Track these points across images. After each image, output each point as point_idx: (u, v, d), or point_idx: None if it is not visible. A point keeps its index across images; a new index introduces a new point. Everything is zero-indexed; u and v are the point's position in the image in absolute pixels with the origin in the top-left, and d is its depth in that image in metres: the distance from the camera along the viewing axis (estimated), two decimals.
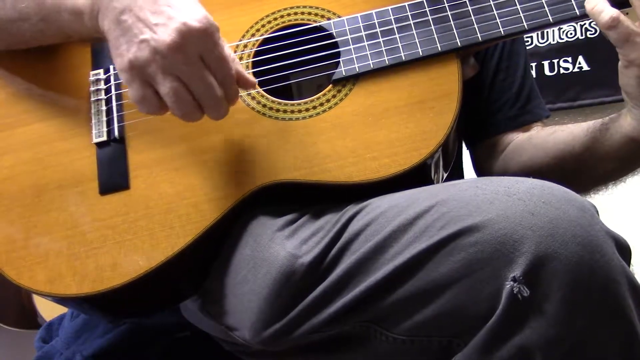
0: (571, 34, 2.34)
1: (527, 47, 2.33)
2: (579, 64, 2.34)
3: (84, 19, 0.98)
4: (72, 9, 0.99)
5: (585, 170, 1.15)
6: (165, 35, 0.90)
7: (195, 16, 0.91)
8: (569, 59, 2.35)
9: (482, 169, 1.34)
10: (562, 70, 2.35)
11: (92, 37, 1.02)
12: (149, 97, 0.93)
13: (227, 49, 0.96)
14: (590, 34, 2.31)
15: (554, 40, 2.37)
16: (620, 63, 0.99)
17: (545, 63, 2.36)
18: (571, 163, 1.15)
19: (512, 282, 0.75)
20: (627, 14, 0.97)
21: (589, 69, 2.32)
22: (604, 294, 0.75)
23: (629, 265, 0.78)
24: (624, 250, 0.79)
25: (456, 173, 1.30)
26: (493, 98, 1.30)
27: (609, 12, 0.96)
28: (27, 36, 1.07)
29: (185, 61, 0.91)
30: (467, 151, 1.37)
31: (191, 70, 0.91)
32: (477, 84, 1.30)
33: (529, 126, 1.30)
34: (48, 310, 2.32)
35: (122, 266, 0.97)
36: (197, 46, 0.91)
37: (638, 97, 1.00)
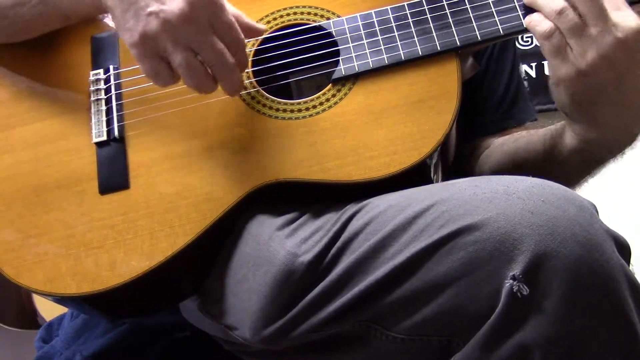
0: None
1: (527, 47, 2.35)
2: None
3: None
4: None
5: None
6: (173, 5, 0.89)
7: None
8: None
9: (462, 169, 1.34)
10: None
11: (91, 17, 1.01)
12: (162, 70, 0.93)
13: (233, 9, 0.96)
14: None
15: None
16: (550, 81, 0.99)
17: (546, 63, 2.36)
18: (528, 171, 1.15)
19: (511, 281, 0.75)
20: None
21: None
22: (603, 292, 0.75)
23: (628, 264, 0.78)
24: (624, 249, 0.79)
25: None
26: (479, 99, 1.30)
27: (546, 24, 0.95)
28: (26, 20, 1.06)
29: (195, 30, 0.90)
30: None
31: (202, 38, 0.91)
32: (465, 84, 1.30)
33: (509, 130, 1.30)
34: (48, 310, 2.32)
35: (121, 266, 0.97)
36: (206, 14, 0.91)
37: (573, 113, 1.01)
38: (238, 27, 0.94)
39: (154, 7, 0.90)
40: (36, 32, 1.10)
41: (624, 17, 0.91)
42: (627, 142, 1.05)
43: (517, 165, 1.19)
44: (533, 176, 0.84)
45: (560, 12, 0.93)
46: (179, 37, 0.90)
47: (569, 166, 1.10)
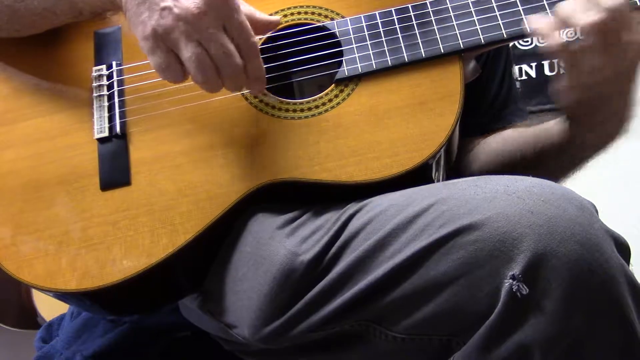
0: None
1: (527, 47, 2.36)
2: None
3: None
4: None
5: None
6: (188, 1, 0.90)
7: None
8: None
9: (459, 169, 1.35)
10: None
11: (104, 10, 1.01)
12: (172, 64, 0.93)
13: (246, 7, 0.97)
14: None
15: None
16: (558, 84, 1.02)
17: (546, 63, 2.36)
18: (520, 169, 1.17)
19: (511, 280, 0.75)
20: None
21: None
22: (602, 292, 0.75)
23: (628, 264, 0.78)
24: (623, 249, 0.79)
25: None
26: (470, 101, 1.30)
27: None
28: (37, 14, 1.06)
29: (207, 27, 0.91)
30: None
31: (213, 36, 0.91)
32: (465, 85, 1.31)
33: (496, 131, 1.31)
34: (48, 310, 2.32)
35: (122, 262, 0.98)
36: (219, 12, 0.91)
37: (579, 113, 1.05)
38: (251, 31, 0.94)
39: (168, 3, 0.91)
40: (44, 27, 1.10)
41: None
42: (607, 143, 1.09)
43: (507, 164, 1.20)
44: (533, 176, 0.84)
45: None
46: (191, 33, 0.91)
47: (557, 163, 1.13)
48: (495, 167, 1.22)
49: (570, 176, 1.17)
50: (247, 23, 0.94)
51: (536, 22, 0.99)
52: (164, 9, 0.91)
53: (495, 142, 1.26)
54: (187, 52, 0.91)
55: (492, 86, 1.32)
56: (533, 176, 0.84)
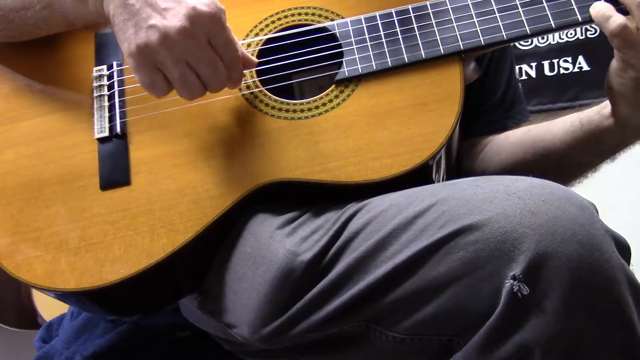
0: (571, 34, 2.35)
1: (527, 47, 2.37)
2: (579, 64, 2.34)
3: (88, 2, 0.98)
4: None
5: (567, 164, 1.16)
6: (175, 20, 0.90)
7: (203, 0, 0.92)
8: (569, 59, 2.36)
9: (461, 168, 1.35)
10: (562, 70, 2.36)
11: (95, 23, 1.02)
12: (158, 82, 0.94)
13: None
14: (590, 34, 2.32)
15: (554, 41, 2.37)
16: (616, 65, 1.00)
17: (545, 63, 2.37)
18: (553, 159, 1.17)
19: (511, 281, 0.75)
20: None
21: (589, 69, 2.33)
22: (603, 292, 0.75)
23: (628, 264, 0.78)
24: (624, 249, 0.79)
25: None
26: (479, 101, 1.31)
27: (616, 20, 0.96)
28: (31, 25, 1.07)
29: (194, 45, 0.91)
30: None
31: (200, 54, 0.92)
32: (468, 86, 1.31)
33: (507, 129, 1.31)
34: (48, 310, 2.32)
35: (122, 262, 0.97)
36: (206, 31, 0.92)
37: (630, 97, 1.02)
38: (237, 45, 0.95)
39: (155, 20, 0.91)
40: (39, 36, 1.11)
41: None
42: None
43: (538, 154, 1.19)
44: (536, 176, 0.84)
45: None
46: (178, 52, 0.91)
47: (596, 151, 1.13)
48: (523, 159, 1.22)
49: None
50: (234, 38, 0.95)
51: (596, 5, 1.00)
52: (150, 27, 0.91)
53: (517, 135, 1.26)
54: (175, 73, 0.92)
55: (500, 84, 1.32)
56: (554, 175, 0.84)
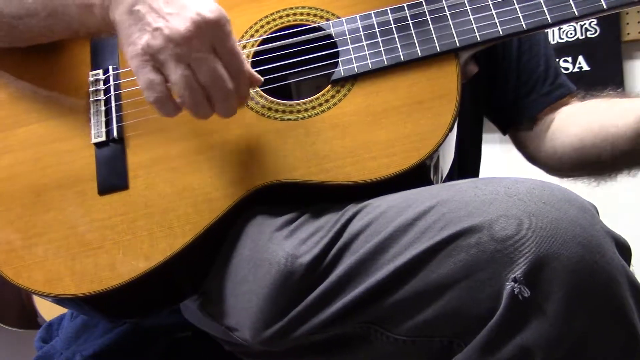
0: (571, 34, 2.34)
1: None
2: (579, 64, 2.34)
3: (94, 10, 0.98)
4: (81, 1, 0.99)
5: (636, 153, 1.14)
6: (179, 24, 0.90)
7: (208, 6, 0.91)
8: (569, 59, 2.35)
9: (531, 155, 1.35)
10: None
11: (99, 31, 1.01)
12: (157, 82, 0.92)
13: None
14: (590, 34, 2.31)
15: (554, 40, 2.37)
16: None
17: None
18: (622, 144, 1.13)
19: (512, 283, 0.75)
20: (627, 13, 0.97)
21: (589, 69, 2.33)
22: (604, 293, 0.75)
23: (629, 265, 0.78)
24: (625, 250, 0.79)
25: (472, 175, 1.32)
26: (523, 80, 1.31)
27: None
28: (35, 32, 1.06)
29: (197, 50, 0.90)
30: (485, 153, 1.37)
31: (203, 59, 0.91)
32: (501, 73, 1.31)
33: (565, 100, 1.30)
34: (48, 310, 2.33)
35: (121, 266, 0.97)
36: (210, 36, 0.91)
37: None
38: (242, 56, 0.94)
39: (160, 24, 0.91)
40: (42, 42, 1.10)
41: None
42: None
43: (607, 140, 1.16)
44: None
45: None
46: (180, 55, 0.91)
47: None
48: (591, 140, 1.20)
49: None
50: (238, 48, 0.94)
51: None
52: (155, 29, 0.91)
53: (580, 112, 1.25)
54: (175, 74, 0.91)
55: (539, 58, 1.32)
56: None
